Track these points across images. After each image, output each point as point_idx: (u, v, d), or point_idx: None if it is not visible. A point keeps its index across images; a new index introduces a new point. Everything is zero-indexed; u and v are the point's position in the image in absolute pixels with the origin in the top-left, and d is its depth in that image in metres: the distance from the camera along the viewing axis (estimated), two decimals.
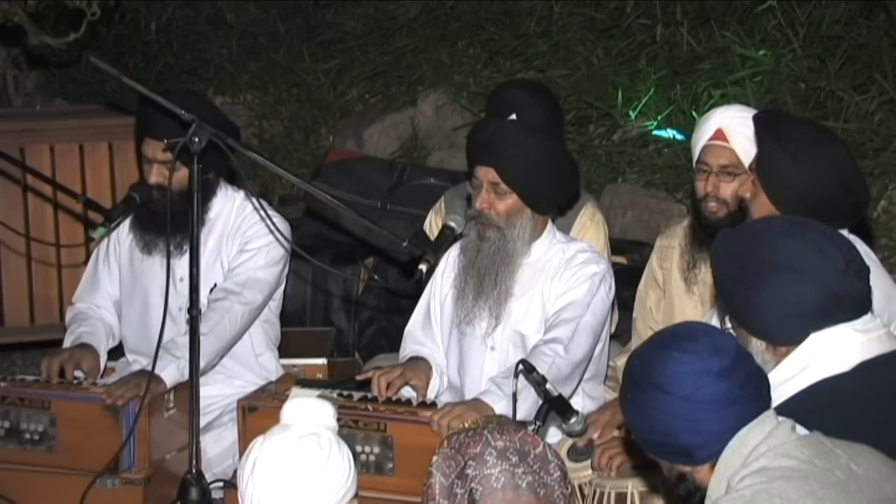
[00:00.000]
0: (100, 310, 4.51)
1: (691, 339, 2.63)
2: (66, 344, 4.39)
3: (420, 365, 4.09)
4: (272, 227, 4.21)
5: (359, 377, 4.01)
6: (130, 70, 7.41)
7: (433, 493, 2.97)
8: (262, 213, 4.26)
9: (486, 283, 4.03)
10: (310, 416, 2.84)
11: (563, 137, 4.95)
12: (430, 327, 4.24)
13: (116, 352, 4.60)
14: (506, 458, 2.89)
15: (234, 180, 4.60)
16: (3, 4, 5.95)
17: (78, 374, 4.23)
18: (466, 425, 3.28)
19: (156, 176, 4.26)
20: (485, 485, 2.86)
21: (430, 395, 4.06)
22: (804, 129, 3.65)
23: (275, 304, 4.56)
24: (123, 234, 4.48)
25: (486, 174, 3.98)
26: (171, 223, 3.97)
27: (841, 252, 2.90)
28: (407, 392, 4.04)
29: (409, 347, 4.23)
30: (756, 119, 3.68)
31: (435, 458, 2.94)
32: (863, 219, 3.89)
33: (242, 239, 4.38)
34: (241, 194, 4.47)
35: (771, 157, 3.51)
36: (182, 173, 4.08)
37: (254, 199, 4.36)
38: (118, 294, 4.54)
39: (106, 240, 4.52)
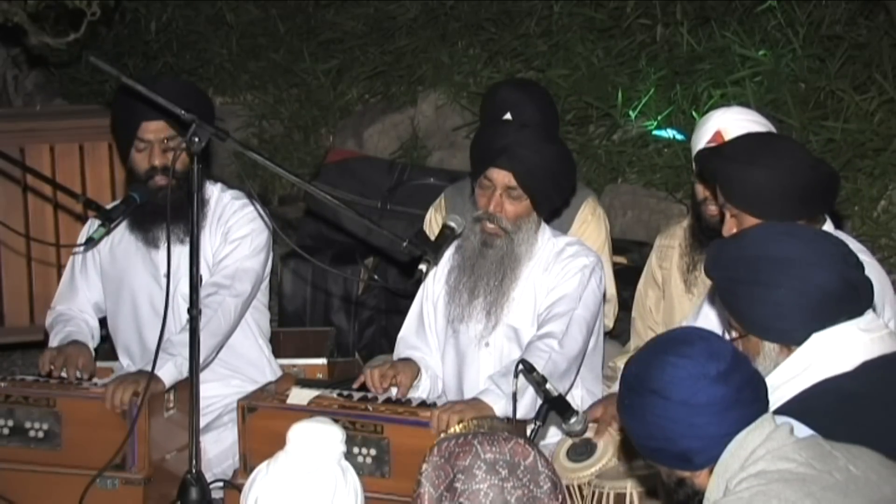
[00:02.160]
0: (82, 313, 4.51)
1: (688, 343, 2.64)
2: (54, 344, 4.38)
3: (408, 363, 4.10)
4: (260, 211, 4.22)
5: (355, 385, 4.02)
6: (130, 70, 7.40)
7: (422, 502, 2.96)
8: (252, 200, 4.29)
9: (490, 284, 4.04)
10: (316, 443, 2.82)
11: (558, 134, 4.95)
12: (423, 332, 4.24)
13: (113, 354, 4.61)
14: (495, 471, 2.87)
15: (211, 173, 4.61)
16: (3, 4, 5.95)
17: (77, 373, 4.22)
18: (458, 429, 3.26)
19: (160, 159, 4.26)
20: (473, 500, 2.85)
21: (422, 396, 4.06)
22: (742, 138, 3.68)
23: (262, 295, 4.55)
24: (102, 241, 4.48)
25: (503, 178, 3.98)
26: (161, 214, 3.97)
27: (837, 247, 2.96)
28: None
29: (402, 353, 4.24)
30: (697, 160, 3.69)
31: (424, 465, 2.92)
32: (835, 211, 3.92)
33: (224, 230, 4.39)
34: (218, 186, 4.48)
35: (734, 178, 3.48)
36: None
37: (252, 195, 4.37)
38: (98, 296, 4.53)
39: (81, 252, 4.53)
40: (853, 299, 2.93)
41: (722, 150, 3.61)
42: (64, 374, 4.20)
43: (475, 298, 4.06)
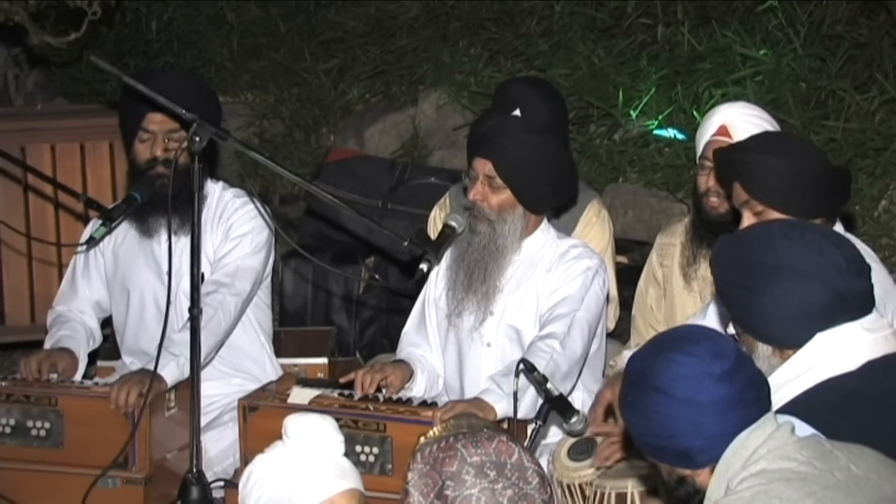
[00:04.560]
0: (82, 314, 4.51)
1: (692, 341, 2.63)
2: (47, 346, 4.39)
3: (400, 365, 4.11)
4: (260, 209, 4.23)
5: (342, 380, 4.02)
6: (131, 69, 7.39)
7: None
8: (253, 198, 4.30)
9: (476, 277, 4.05)
10: (318, 436, 2.84)
11: (567, 136, 4.95)
12: (424, 328, 4.25)
13: (115, 353, 4.61)
14: (483, 474, 2.85)
15: (214, 171, 4.62)
16: (3, 4, 5.95)
17: (53, 376, 4.22)
18: (437, 431, 3.23)
19: (161, 149, 4.27)
20: None
21: (417, 395, 4.06)
22: (756, 136, 3.73)
23: (263, 294, 4.55)
24: (104, 240, 4.48)
25: (483, 166, 4.00)
26: (164, 208, 3.97)
27: (841, 251, 2.92)
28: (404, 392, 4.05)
29: (404, 349, 4.24)
30: (715, 158, 3.73)
31: (410, 474, 2.90)
32: (846, 212, 3.93)
33: (225, 227, 4.40)
34: (220, 185, 4.49)
35: (755, 170, 3.51)
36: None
37: (252, 194, 4.37)
38: (100, 296, 4.54)
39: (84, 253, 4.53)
40: (842, 310, 2.91)
41: (739, 144, 3.65)
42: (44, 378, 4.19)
43: (469, 291, 4.06)
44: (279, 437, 2.99)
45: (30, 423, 4.05)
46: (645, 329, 4.40)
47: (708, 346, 2.61)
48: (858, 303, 2.93)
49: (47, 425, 4.03)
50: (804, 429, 2.67)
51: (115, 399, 3.96)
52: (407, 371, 4.09)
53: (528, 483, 2.88)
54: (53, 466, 4.02)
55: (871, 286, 2.96)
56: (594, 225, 4.62)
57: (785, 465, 2.55)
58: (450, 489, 2.83)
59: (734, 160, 3.56)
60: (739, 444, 2.59)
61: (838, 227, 3.58)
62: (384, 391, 4.01)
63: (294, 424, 2.86)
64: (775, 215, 3.45)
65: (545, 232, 4.14)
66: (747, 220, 3.52)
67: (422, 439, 3.04)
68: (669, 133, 6.15)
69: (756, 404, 2.62)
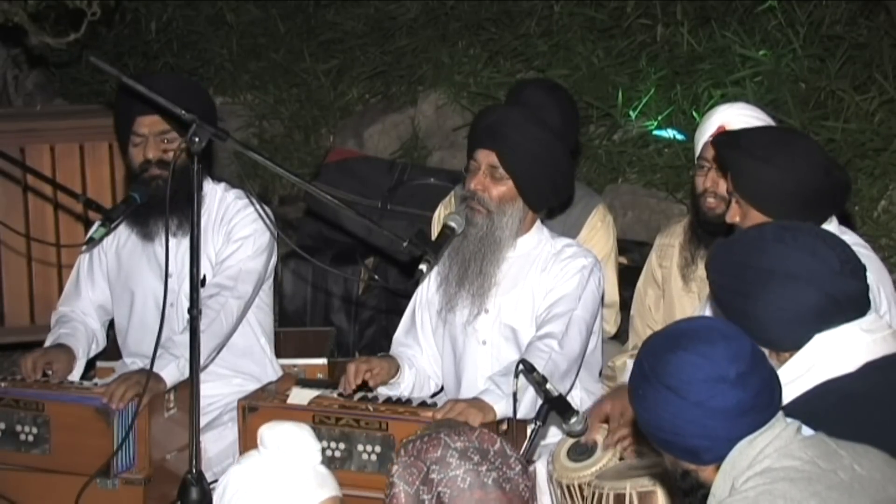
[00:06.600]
0: (85, 316, 4.51)
1: (709, 343, 2.57)
2: (46, 345, 4.39)
3: (385, 359, 4.11)
4: (261, 212, 4.23)
5: (340, 388, 4.01)
6: (130, 70, 7.39)
7: (399, 502, 2.94)
8: (252, 200, 4.30)
9: (471, 269, 4.04)
10: (294, 444, 2.81)
11: (577, 142, 4.95)
12: (414, 331, 4.24)
13: (115, 354, 4.61)
14: (468, 457, 2.87)
15: (213, 172, 4.62)
16: (3, 4, 5.95)
17: (47, 372, 4.22)
18: (418, 433, 3.24)
19: (154, 151, 4.27)
20: (452, 487, 2.84)
21: (405, 393, 4.07)
22: (762, 132, 3.69)
23: (265, 294, 4.55)
24: (107, 242, 4.48)
25: (487, 157, 3.99)
26: (162, 209, 3.98)
27: (835, 252, 2.91)
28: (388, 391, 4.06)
29: (395, 350, 4.24)
30: (714, 145, 3.71)
31: (395, 467, 2.92)
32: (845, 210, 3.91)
33: (227, 229, 4.39)
34: (221, 186, 4.49)
35: (745, 171, 3.50)
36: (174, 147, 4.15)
37: (249, 194, 4.37)
38: (104, 298, 4.53)
39: (88, 253, 4.53)
40: (836, 312, 2.90)
41: (740, 140, 3.60)
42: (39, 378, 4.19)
43: (462, 285, 4.06)
44: None
45: (18, 428, 4.04)
46: (643, 330, 4.40)
47: (724, 347, 2.57)
48: (853, 304, 2.93)
49: (35, 430, 4.02)
50: (805, 430, 2.66)
51: (111, 397, 3.96)
52: (393, 365, 4.09)
53: (511, 469, 2.91)
54: (43, 471, 4.01)
55: (867, 287, 2.96)
56: (599, 230, 4.63)
57: (789, 464, 2.54)
58: (435, 472, 2.85)
59: (730, 156, 3.56)
60: (747, 443, 2.57)
61: (833, 223, 3.57)
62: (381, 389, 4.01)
63: (270, 433, 2.82)
64: (753, 213, 3.47)
65: (539, 231, 4.14)
66: (734, 206, 3.53)
67: (403, 440, 3.06)
68: (669, 133, 6.16)
69: (767, 409, 2.59)
